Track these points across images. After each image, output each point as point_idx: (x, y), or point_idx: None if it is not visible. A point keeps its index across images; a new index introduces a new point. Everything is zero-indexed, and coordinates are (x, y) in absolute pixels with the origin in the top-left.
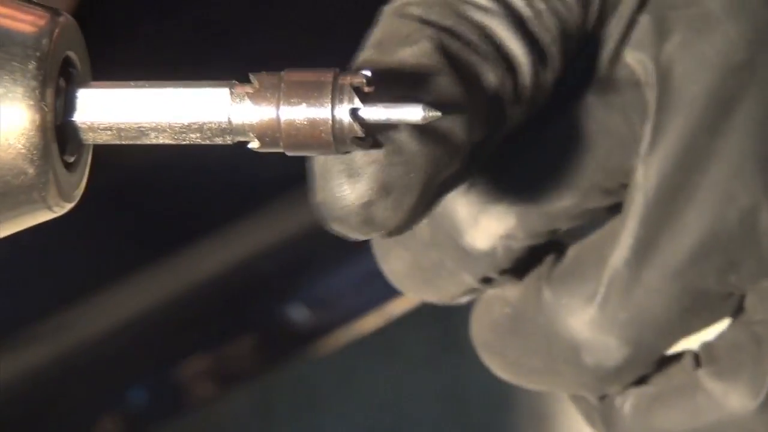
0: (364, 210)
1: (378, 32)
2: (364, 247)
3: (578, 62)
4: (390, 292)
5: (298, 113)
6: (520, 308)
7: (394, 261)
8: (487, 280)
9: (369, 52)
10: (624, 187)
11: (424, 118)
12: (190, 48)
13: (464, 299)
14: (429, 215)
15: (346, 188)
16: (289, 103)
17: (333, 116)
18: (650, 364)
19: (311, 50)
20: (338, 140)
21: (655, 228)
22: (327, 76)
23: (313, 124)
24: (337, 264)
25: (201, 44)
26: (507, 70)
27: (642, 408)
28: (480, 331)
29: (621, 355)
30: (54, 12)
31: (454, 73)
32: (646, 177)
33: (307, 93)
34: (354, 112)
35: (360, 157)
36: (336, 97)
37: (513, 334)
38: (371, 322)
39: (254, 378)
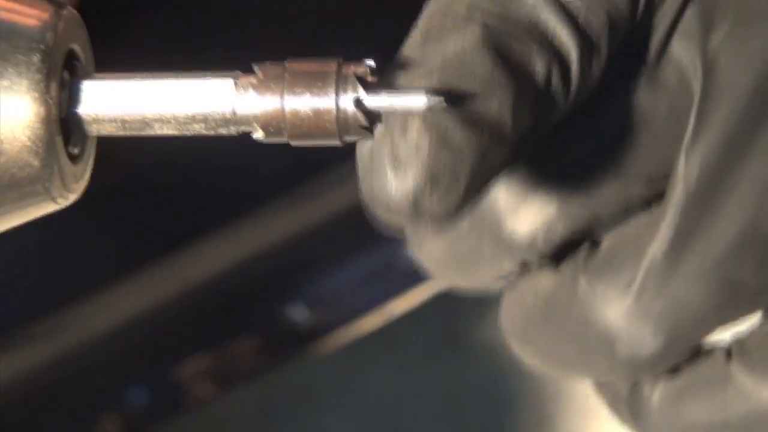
0: (412, 200)
1: (424, 20)
2: (364, 247)
3: (625, 52)
4: (390, 292)
5: (302, 103)
6: (553, 297)
7: (429, 246)
8: (526, 266)
9: (416, 39)
10: (666, 177)
11: (428, 105)
12: (190, 40)
13: (499, 285)
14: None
15: (392, 179)
16: (294, 93)
17: (337, 106)
18: (684, 354)
19: (308, 41)
20: (343, 130)
21: (695, 219)
22: (330, 65)
23: (317, 113)
24: (337, 264)
25: (200, 36)
26: (555, 58)
27: (671, 399)
28: (511, 319)
29: (656, 345)
30: (58, 5)
31: (501, 61)
32: (687, 168)
33: (311, 83)
34: (358, 102)
35: (406, 147)
36: (340, 86)
37: (546, 322)
38: (371, 322)
39: (254, 378)
